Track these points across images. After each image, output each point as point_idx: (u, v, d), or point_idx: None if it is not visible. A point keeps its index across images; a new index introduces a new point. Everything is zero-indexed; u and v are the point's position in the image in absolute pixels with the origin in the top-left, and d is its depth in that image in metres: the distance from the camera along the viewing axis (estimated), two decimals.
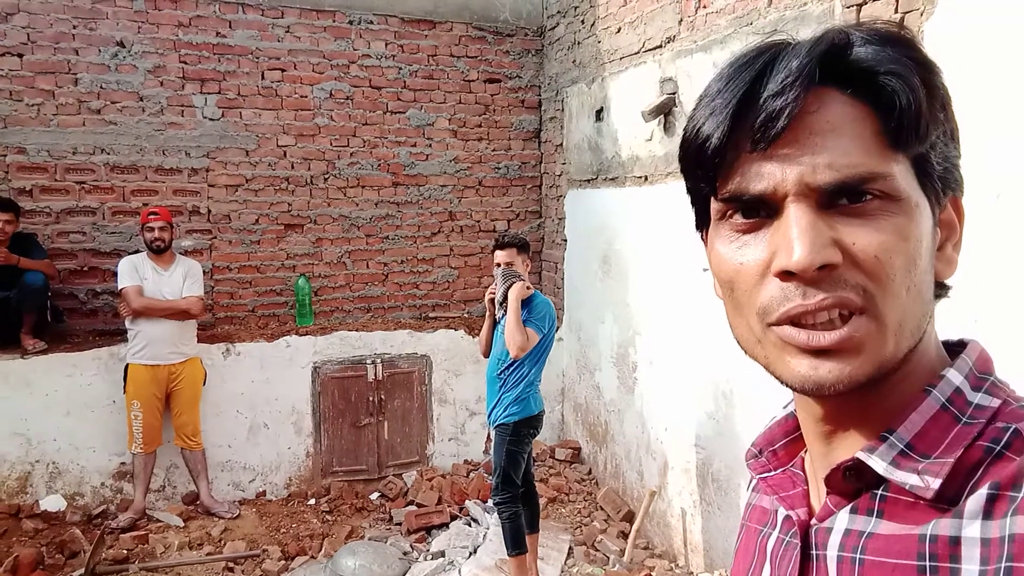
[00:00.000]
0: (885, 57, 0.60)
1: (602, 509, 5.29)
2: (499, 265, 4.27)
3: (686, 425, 4.55)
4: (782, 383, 0.64)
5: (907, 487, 0.60)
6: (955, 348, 0.68)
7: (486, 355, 4.50)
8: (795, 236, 0.59)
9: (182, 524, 4.95)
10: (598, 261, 5.56)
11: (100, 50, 5.32)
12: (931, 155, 0.62)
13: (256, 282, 5.83)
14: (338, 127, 5.95)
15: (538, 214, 6.57)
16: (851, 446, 0.65)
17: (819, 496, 0.69)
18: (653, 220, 4.78)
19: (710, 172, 0.64)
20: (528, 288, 4.23)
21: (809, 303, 0.59)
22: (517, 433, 4.20)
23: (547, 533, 4.88)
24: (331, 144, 5.94)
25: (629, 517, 5.09)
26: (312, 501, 5.50)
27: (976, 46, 2.64)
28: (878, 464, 0.61)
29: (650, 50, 4.82)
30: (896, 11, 2.99)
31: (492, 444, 4.33)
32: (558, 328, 6.16)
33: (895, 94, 0.59)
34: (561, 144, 6.13)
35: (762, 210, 0.63)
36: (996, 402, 0.62)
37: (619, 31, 5.18)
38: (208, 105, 5.61)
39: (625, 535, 4.87)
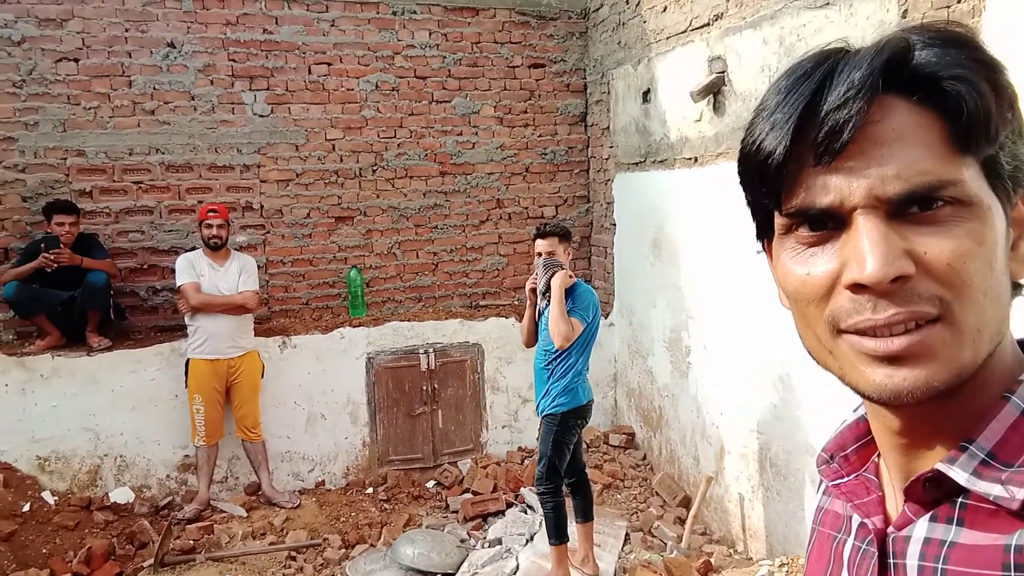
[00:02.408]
0: (948, 61, 0.58)
1: (658, 495, 5.25)
2: (540, 254, 4.22)
3: (742, 410, 4.48)
4: (858, 394, 0.62)
5: (991, 498, 0.58)
6: None
7: (529, 345, 4.47)
8: (867, 249, 0.58)
9: (245, 514, 5.07)
10: (648, 245, 5.49)
11: (152, 51, 5.43)
12: (1000, 155, 0.60)
13: (309, 275, 5.91)
14: (384, 119, 5.97)
15: (586, 199, 6.52)
16: (929, 456, 0.64)
17: (896, 503, 0.68)
18: (704, 202, 4.70)
19: (774, 188, 0.63)
20: (571, 277, 4.19)
21: (879, 318, 0.58)
22: (565, 423, 4.16)
23: (603, 520, 4.87)
24: (378, 136, 5.97)
25: (685, 503, 5.05)
26: (370, 490, 5.59)
27: None
28: (959, 476, 0.60)
29: (697, 28, 4.72)
30: None
31: (540, 434, 4.29)
32: (608, 314, 6.14)
33: (962, 99, 0.57)
34: (608, 127, 6.06)
35: (829, 222, 0.62)
36: None
37: (665, 10, 5.09)
38: (257, 102, 5.68)
39: (682, 521, 4.84)
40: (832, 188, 0.60)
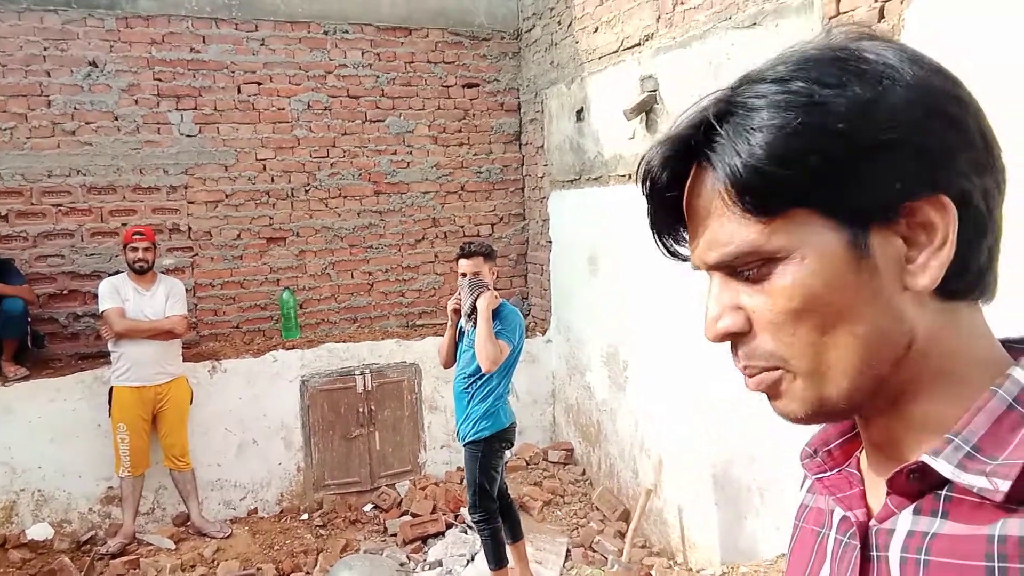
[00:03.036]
0: (736, 128, 0.60)
1: (598, 509, 5.25)
2: (464, 274, 4.07)
3: (680, 422, 4.53)
4: None
5: (974, 490, 0.58)
6: (1016, 345, 0.66)
7: (447, 366, 4.32)
8: (706, 307, 0.65)
9: (173, 546, 4.87)
10: (585, 261, 5.53)
11: (72, 71, 5.26)
12: (825, 192, 0.58)
13: (240, 297, 5.77)
14: (317, 138, 5.90)
15: (522, 216, 6.54)
16: (911, 448, 0.64)
17: (878, 496, 0.67)
18: (639, 218, 4.72)
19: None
20: (496, 298, 4.09)
21: (738, 366, 0.65)
22: (490, 448, 4.05)
23: (544, 536, 4.84)
24: (311, 155, 5.89)
25: (625, 516, 5.06)
26: (305, 516, 5.45)
27: (960, 35, 2.64)
28: (944, 468, 0.59)
29: (628, 48, 4.81)
30: (876, 0, 2.99)
31: (464, 462, 4.17)
32: (545, 330, 6.16)
33: (735, 169, 0.59)
34: (542, 146, 6.11)
35: None
36: None
37: (596, 31, 5.17)
38: (184, 121, 5.55)
39: (622, 535, 4.84)
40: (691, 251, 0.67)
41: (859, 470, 0.72)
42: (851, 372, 0.61)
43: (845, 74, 0.59)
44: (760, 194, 0.59)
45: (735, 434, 4.03)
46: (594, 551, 4.76)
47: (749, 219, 0.60)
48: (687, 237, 0.68)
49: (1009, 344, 0.66)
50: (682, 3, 4.29)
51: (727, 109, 0.61)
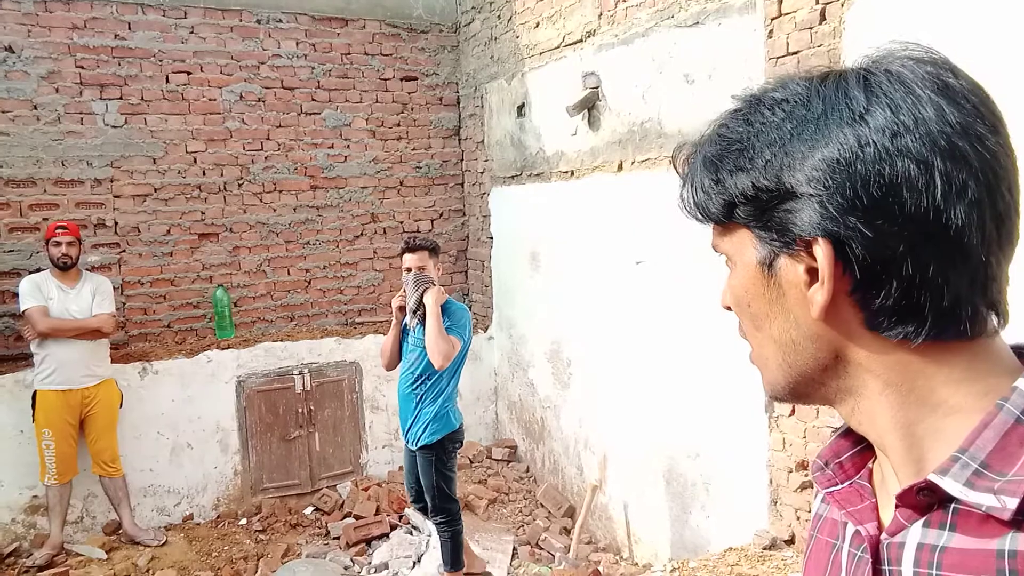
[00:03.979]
0: (696, 167, 0.72)
1: (543, 507, 5.27)
2: (409, 269, 3.98)
3: (624, 417, 4.56)
4: None
5: (982, 509, 0.58)
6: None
7: (390, 368, 4.20)
8: None
9: (105, 556, 4.67)
10: (527, 257, 5.52)
11: None
12: (750, 214, 0.68)
13: (171, 296, 5.56)
14: (251, 130, 5.72)
15: (462, 212, 6.49)
16: (921, 465, 0.65)
17: (890, 509, 0.68)
18: (582, 214, 4.77)
19: None
20: (443, 293, 4.02)
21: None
22: (443, 449, 3.99)
23: (490, 535, 4.83)
24: (244, 148, 5.71)
25: (571, 513, 5.09)
26: (243, 521, 5.30)
27: (900, 37, 2.70)
28: (952, 486, 0.60)
29: (570, 44, 4.80)
30: (817, 2, 3.05)
31: (419, 468, 4.06)
32: (487, 327, 6.13)
33: (681, 197, 0.74)
34: (483, 141, 6.07)
35: None
36: None
37: (537, 26, 5.15)
38: (109, 112, 5.30)
39: (568, 531, 4.87)
40: None
41: (871, 482, 0.73)
42: (779, 369, 0.71)
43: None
44: (704, 211, 0.72)
45: (680, 429, 4.09)
46: (540, 548, 4.77)
47: (718, 229, 0.73)
48: None
49: (1019, 350, 0.67)
50: (624, 0, 4.31)
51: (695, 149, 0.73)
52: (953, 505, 0.61)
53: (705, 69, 3.71)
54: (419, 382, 3.99)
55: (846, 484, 0.75)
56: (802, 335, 0.68)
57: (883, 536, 0.67)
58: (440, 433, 3.96)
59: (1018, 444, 0.59)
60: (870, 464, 0.75)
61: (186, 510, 5.30)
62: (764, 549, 3.42)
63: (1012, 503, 0.56)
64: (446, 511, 4.01)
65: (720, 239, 0.73)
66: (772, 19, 3.33)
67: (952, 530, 0.60)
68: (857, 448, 0.76)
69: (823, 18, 3.10)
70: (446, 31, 6.31)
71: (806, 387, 0.70)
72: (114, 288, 5.04)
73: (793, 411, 3.36)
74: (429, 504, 4.05)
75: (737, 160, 0.68)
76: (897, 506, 0.65)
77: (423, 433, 3.97)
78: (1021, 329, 0.72)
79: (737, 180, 0.67)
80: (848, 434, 0.77)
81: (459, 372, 4.09)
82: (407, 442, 4.12)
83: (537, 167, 5.28)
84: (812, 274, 0.65)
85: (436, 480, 3.98)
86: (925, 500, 0.63)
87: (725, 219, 0.70)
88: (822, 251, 0.63)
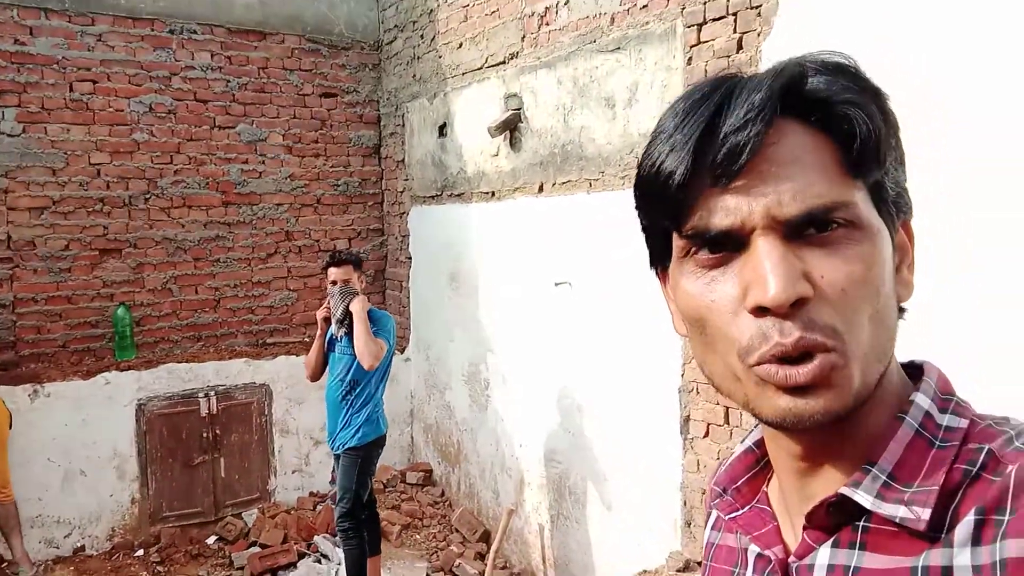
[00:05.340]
0: (840, 87, 0.60)
1: (458, 531, 5.16)
2: (335, 282, 4.19)
3: (540, 440, 4.53)
4: (762, 420, 0.62)
5: (896, 520, 0.58)
6: (910, 370, 0.67)
7: (314, 379, 4.41)
8: (768, 271, 0.57)
9: None
10: (446, 278, 5.46)
11: None
12: (886, 180, 0.62)
13: (67, 314, 5.25)
14: (160, 143, 5.50)
15: (380, 232, 6.39)
16: (830, 479, 0.63)
17: (794, 531, 0.67)
18: (502, 236, 4.75)
19: (674, 209, 0.62)
20: (367, 303, 4.22)
21: (787, 342, 0.57)
22: (368, 454, 4.18)
23: (402, 562, 4.70)
24: (152, 161, 5.48)
25: (486, 537, 5.00)
26: (140, 552, 5.01)
27: None
28: (864, 499, 0.59)
29: (493, 66, 4.80)
30: (735, 31, 3.12)
31: (340, 469, 4.22)
32: (404, 348, 6.02)
33: (854, 123, 0.59)
34: (403, 160, 6.00)
35: (728, 244, 0.61)
36: (964, 422, 0.61)
37: (460, 46, 5.14)
38: (6, 119, 5.01)
39: (483, 556, 4.78)
40: (732, 209, 0.59)
41: (769, 505, 0.72)
42: (883, 359, 0.61)
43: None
44: (872, 159, 0.60)
45: (596, 451, 4.07)
46: (455, 574, 4.66)
47: (847, 179, 0.60)
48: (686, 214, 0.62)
49: (907, 368, 0.68)
50: (547, 24, 4.34)
51: (815, 74, 0.61)
52: (862, 524, 0.60)
53: (626, 94, 3.75)
54: (350, 389, 4.16)
55: (747, 509, 0.73)
56: (894, 316, 0.62)
57: (791, 559, 0.65)
58: (371, 436, 4.16)
59: (919, 456, 0.60)
60: (764, 487, 0.74)
61: (77, 541, 4.97)
62: (678, 571, 3.42)
63: (925, 513, 0.56)
64: (354, 518, 4.11)
65: (861, 200, 0.60)
66: (691, 47, 3.39)
67: (863, 549, 0.59)
68: (751, 472, 0.75)
69: (740, 47, 3.17)
70: (368, 49, 6.24)
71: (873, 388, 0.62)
72: (4, 306, 4.74)
73: (707, 433, 3.38)
74: (339, 509, 4.15)
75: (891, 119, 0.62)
76: (805, 527, 0.64)
77: (354, 435, 4.13)
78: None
79: (898, 142, 0.63)
80: (742, 459, 0.76)
81: (387, 377, 4.29)
82: (333, 448, 4.24)
83: (458, 187, 5.24)
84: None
85: (355, 484, 4.11)
86: (833, 519, 0.62)
87: (878, 167, 0.61)
88: (910, 230, 0.66)
